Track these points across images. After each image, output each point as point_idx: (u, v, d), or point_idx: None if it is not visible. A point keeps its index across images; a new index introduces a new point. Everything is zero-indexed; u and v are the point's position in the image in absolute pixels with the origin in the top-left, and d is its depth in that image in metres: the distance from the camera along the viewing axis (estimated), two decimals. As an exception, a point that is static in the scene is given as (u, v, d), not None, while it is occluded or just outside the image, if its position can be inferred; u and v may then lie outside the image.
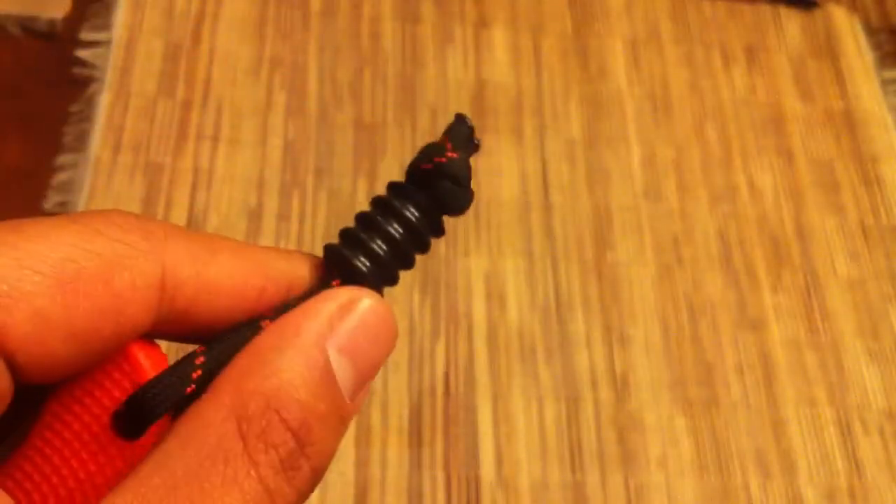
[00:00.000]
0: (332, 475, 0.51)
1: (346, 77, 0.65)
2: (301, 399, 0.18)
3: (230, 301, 0.19)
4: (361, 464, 0.52)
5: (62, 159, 0.59)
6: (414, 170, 0.20)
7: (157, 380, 0.18)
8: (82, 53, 0.63)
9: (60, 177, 0.58)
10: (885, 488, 0.55)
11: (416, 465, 0.52)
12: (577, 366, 0.56)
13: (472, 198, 0.20)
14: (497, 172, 0.62)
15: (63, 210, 0.57)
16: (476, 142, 0.20)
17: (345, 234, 0.20)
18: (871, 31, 0.74)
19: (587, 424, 0.55)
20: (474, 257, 0.59)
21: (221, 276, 0.19)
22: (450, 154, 0.20)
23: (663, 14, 0.72)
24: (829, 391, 0.58)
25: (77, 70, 0.62)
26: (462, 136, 0.20)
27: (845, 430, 0.57)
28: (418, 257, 0.21)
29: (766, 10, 0.74)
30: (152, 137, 0.60)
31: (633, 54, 0.70)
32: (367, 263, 0.20)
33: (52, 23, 0.64)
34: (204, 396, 0.18)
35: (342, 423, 0.18)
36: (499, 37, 0.68)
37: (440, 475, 0.52)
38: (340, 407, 0.18)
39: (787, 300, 0.61)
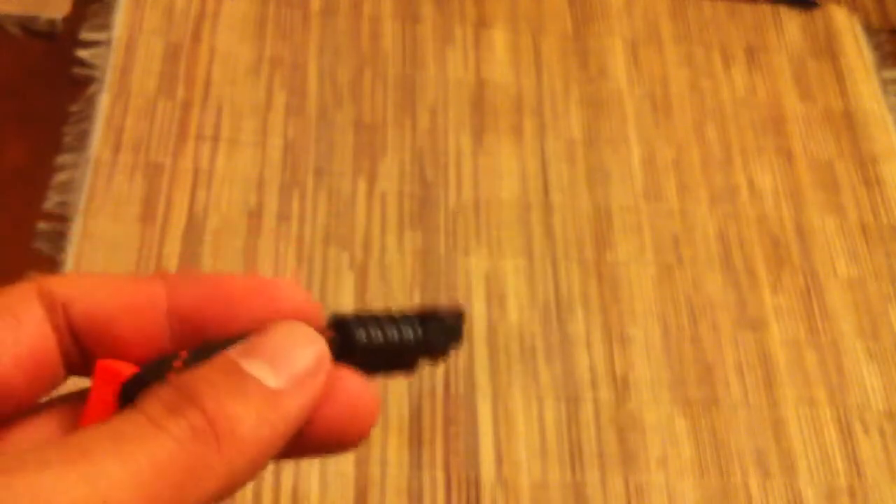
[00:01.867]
0: (331, 475, 0.51)
1: (346, 77, 0.65)
2: (197, 374, 0.19)
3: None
4: (361, 463, 0.52)
5: (62, 159, 0.59)
6: (429, 336, 0.23)
7: (152, 363, 0.20)
8: (82, 53, 0.63)
9: (60, 177, 0.58)
10: (885, 488, 0.55)
11: (416, 464, 0.52)
12: (577, 366, 0.56)
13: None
14: (497, 172, 0.62)
15: (63, 210, 0.57)
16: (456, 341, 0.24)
17: (356, 312, 0.23)
18: (871, 31, 0.74)
19: (587, 424, 0.55)
20: (474, 257, 0.59)
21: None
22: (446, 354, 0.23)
23: (663, 14, 0.72)
24: (829, 391, 0.58)
25: (77, 70, 0.62)
26: (446, 342, 0.23)
27: (845, 430, 0.57)
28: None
29: (766, 10, 0.74)
30: (152, 137, 0.60)
31: (633, 54, 0.70)
32: (364, 339, 0.22)
33: (52, 23, 0.64)
34: None
35: (265, 403, 0.19)
36: (499, 37, 0.68)
37: (440, 475, 0.52)
38: (251, 387, 0.19)
39: (787, 300, 0.61)
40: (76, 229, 0.56)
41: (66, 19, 0.64)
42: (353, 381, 0.21)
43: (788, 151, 0.67)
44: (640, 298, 0.59)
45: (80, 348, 0.21)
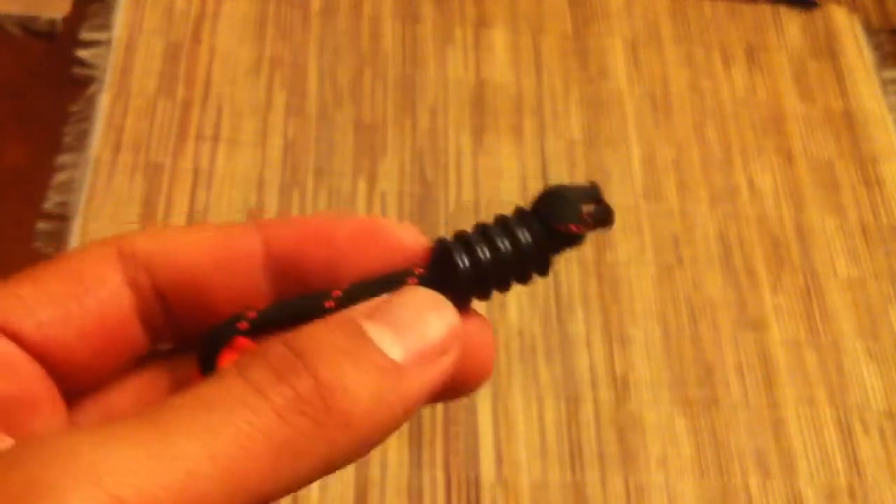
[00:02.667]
0: (331, 475, 0.51)
1: (346, 77, 0.65)
2: (313, 334, 0.17)
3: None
4: (361, 463, 0.52)
5: (62, 159, 0.59)
6: (546, 217, 0.20)
7: (218, 324, 0.19)
8: (82, 53, 0.63)
9: (60, 177, 0.58)
10: (885, 488, 0.55)
11: (416, 464, 0.52)
12: (577, 366, 0.56)
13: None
14: (497, 172, 0.62)
15: (63, 210, 0.57)
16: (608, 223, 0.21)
17: (458, 234, 0.20)
18: (871, 31, 0.74)
19: (587, 424, 0.55)
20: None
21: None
22: (584, 228, 0.20)
23: (663, 14, 0.72)
24: (829, 391, 0.58)
25: (77, 70, 0.62)
26: (602, 221, 0.20)
27: (845, 430, 0.57)
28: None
29: (766, 10, 0.74)
30: (152, 137, 0.60)
31: (633, 54, 0.70)
32: (466, 262, 0.20)
33: (52, 23, 0.63)
34: None
35: (385, 378, 0.17)
36: (499, 37, 0.68)
37: (440, 475, 0.52)
38: (373, 357, 0.17)
39: (787, 300, 0.61)
40: (76, 229, 0.56)
41: (66, 19, 0.64)
42: (470, 324, 0.19)
43: (788, 151, 0.67)
44: (640, 298, 0.59)
45: (168, 312, 0.19)
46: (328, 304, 0.18)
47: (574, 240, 0.20)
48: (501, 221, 0.20)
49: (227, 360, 0.18)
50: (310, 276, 0.19)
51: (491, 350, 0.19)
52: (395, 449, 0.52)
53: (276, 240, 0.19)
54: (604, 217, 0.20)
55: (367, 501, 0.51)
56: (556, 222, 0.20)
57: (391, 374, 0.17)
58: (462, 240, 0.20)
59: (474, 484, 0.52)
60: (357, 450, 0.17)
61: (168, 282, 0.19)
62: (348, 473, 0.51)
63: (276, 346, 0.17)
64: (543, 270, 0.20)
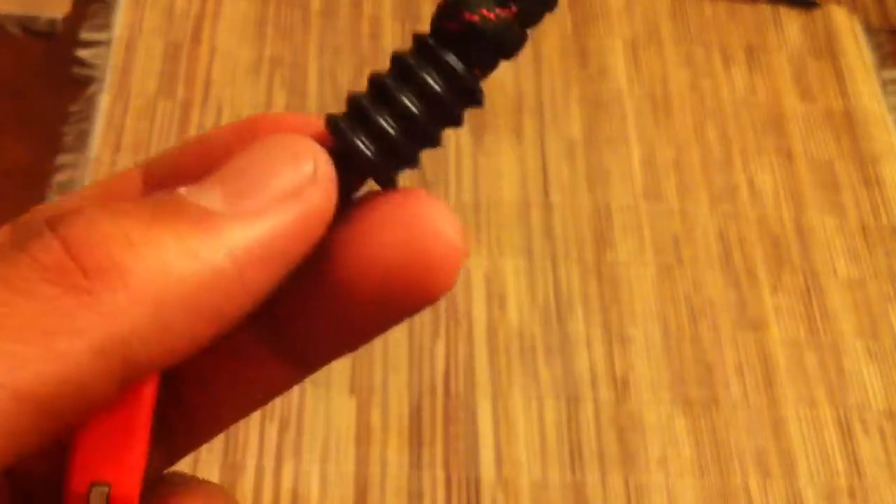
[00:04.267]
0: (331, 474, 0.51)
1: (346, 77, 0.65)
2: (100, 206, 0.13)
3: None
4: (361, 463, 0.52)
5: (62, 159, 0.59)
6: (448, 15, 0.15)
7: None
8: (82, 53, 0.63)
9: (60, 177, 0.58)
10: (885, 488, 0.55)
11: (416, 464, 0.52)
12: (577, 366, 0.56)
13: (522, 45, 0.15)
14: (497, 172, 0.62)
15: (63, 210, 0.57)
16: None
17: (352, 102, 0.16)
18: (871, 31, 0.74)
19: (587, 424, 0.55)
20: (474, 257, 0.59)
21: None
22: (501, 11, 0.15)
23: (663, 14, 0.72)
24: (829, 391, 0.58)
25: (77, 70, 0.62)
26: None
27: (845, 430, 0.57)
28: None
29: (766, 10, 0.74)
30: (152, 137, 0.60)
31: (633, 54, 0.70)
32: (372, 146, 0.16)
33: (52, 23, 0.63)
34: None
35: (191, 228, 0.13)
36: (499, 37, 0.68)
37: (440, 475, 0.52)
38: (170, 209, 0.13)
39: (787, 300, 0.61)
40: (76, 229, 0.56)
41: (66, 19, 0.64)
42: (420, 206, 0.15)
43: (788, 151, 0.67)
44: (640, 298, 0.59)
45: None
46: None
47: (496, 28, 0.15)
48: (400, 67, 0.16)
49: None
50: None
51: (452, 244, 0.15)
52: (395, 448, 0.52)
53: (152, 166, 0.16)
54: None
55: (367, 501, 0.51)
56: (463, 13, 0.15)
57: (200, 223, 0.13)
58: (360, 113, 0.16)
59: (474, 484, 0.52)
60: (159, 318, 0.13)
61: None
62: (348, 473, 0.51)
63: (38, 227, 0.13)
64: (474, 103, 0.16)
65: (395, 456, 0.52)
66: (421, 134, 0.16)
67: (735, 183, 0.65)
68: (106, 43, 0.63)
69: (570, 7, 0.71)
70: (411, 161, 0.16)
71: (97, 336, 0.12)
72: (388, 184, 0.16)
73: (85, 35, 0.63)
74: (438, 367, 0.55)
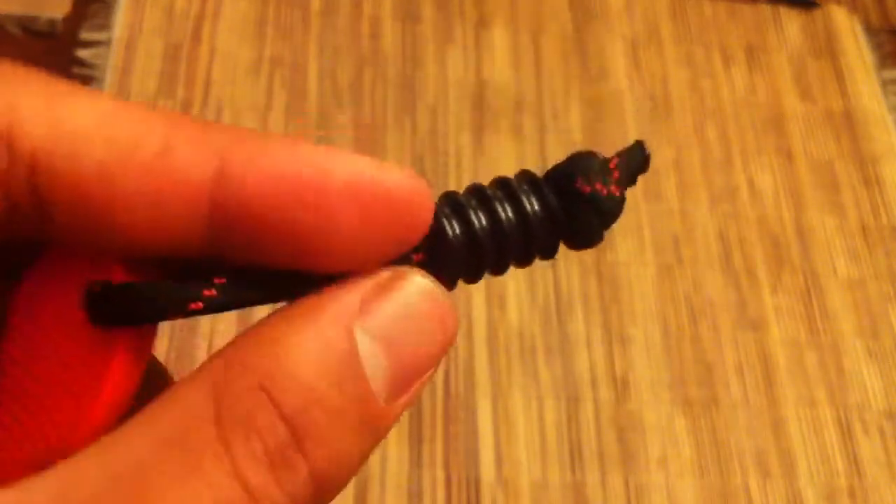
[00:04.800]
0: (332, 475, 0.51)
1: (346, 77, 0.65)
2: (304, 381, 0.13)
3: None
4: (361, 464, 0.52)
5: (62, 159, 0.59)
6: (562, 178, 0.16)
7: (163, 287, 0.13)
8: (82, 53, 0.63)
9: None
10: (885, 488, 0.55)
11: (415, 463, 0.52)
12: (577, 366, 0.56)
13: (601, 240, 0.16)
14: (497, 172, 0.62)
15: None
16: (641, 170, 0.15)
17: (447, 195, 0.16)
18: (871, 31, 0.74)
19: (587, 424, 0.55)
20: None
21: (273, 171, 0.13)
22: (612, 188, 0.16)
23: (663, 14, 0.72)
24: (829, 391, 0.58)
25: (77, 70, 0.62)
26: (634, 167, 0.16)
27: (845, 430, 0.57)
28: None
29: (766, 10, 0.74)
30: (152, 137, 0.60)
31: (633, 54, 0.70)
32: (458, 232, 0.15)
33: (52, 23, 0.63)
34: (188, 373, 0.13)
35: (369, 427, 0.14)
36: (499, 37, 0.68)
37: (440, 474, 0.52)
38: (366, 404, 0.13)
39: (787, 300, 0.61)
40: (76, 229, 0.56)
41: (66, 19, 0.64)
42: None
43: (788, 151, 0.67)
44: (640, 298, 0.59)
45: (42, 220, 0.13)
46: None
47: (606, 204, 0.15)
48: (504, 186, 0.16)
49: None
50: (272, 233, 0.13)
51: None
52: (394, 448, 0.52)
53: (241, 181, 0.13)
54: (635, 156, 0.15)
55: (367, 500, 0.51)
56: (577, 180, 0.15)
57: (373, 426, 0.14)
58: (453, 204, 0.16)
59: (474, 483, 0.52)
60: (323, 498, 0.14)
61: (54, 189, 0.13)
62: (348, 473, 0.51)
63: (265, 409, 0.13)
64: (549, 253, 0.16)
65: (395, 455, 0.52)
66: (501, 251, 0.16)
67: (735, 183, 0.65)
68: (106, 43, 0.63)
69: (570, 7, 0.71)
70: (476, 275, 0.16)
71: None
72: (451, 285, 0.16)
73: (85, 35, 0.63)
74: (438, 368, 0.55)
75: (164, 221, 0.13)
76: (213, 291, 0.14)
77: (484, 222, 0.16)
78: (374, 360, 0.14)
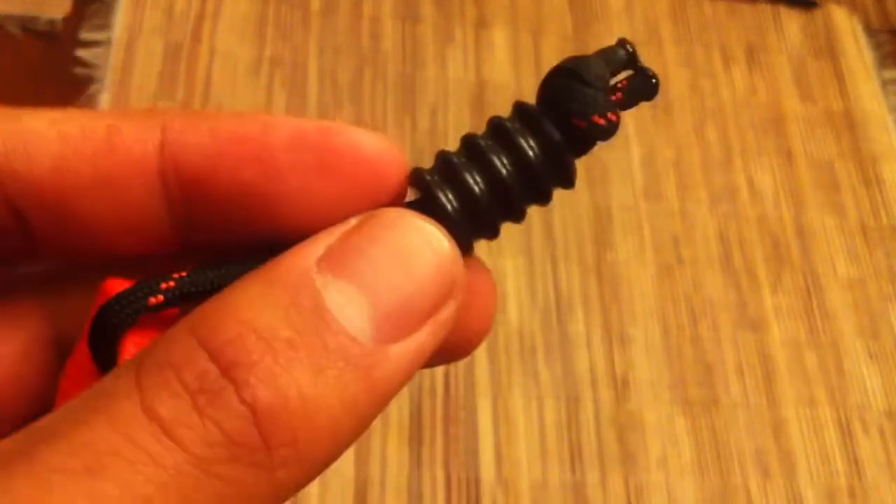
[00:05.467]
0: (331, 474, 0.51)
1: (346, 77, 0.65)
2: (239, 316, 0.12)
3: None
4: (361, 462, 0.52)
5: (62, 159, 0.59)
6: (559, 110, 0.15)
7: (120, 295, 0.13)
8: (82, 53, 0.63)
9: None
10: (885, 488, 0.55)
11: (416, 463, 0.52)
12: (577, 366, 0.56)
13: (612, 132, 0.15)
14: (497, 172, 0.62)
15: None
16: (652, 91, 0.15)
17: (441, 157, 0.16)
18: (871, 31, 0.74)
19: (587, 424, 0.55)
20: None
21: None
22: (610, 115, 0.15)
23: (663, 14, 0.72)
24: (829, 391, 0.58)
25: (77, 70, 0.62)
26: (639, 94, 0.15)
27: (845, 430, 0.57)
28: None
29: (766, 10, 0.74)
30: (152, 137, 0.60)
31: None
32: (454, 202, 0.15)
33: (52, 23, 0.63)
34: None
35: (354, 368, 0.12)
36: (499, 37, 0.68)
37: (440, 474, 0.52)
38: (336, 345, 0.12)
39: (787, 300, 0.61)
40: (76, 229, 0.56)
41: (66, 19, 0.64)
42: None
43: (788, 151, 0.67)
44: (640, 298, 0.59)
45: (27, 232, 0.13)
46: None
47: (603, 134, 0.15)
48: (497, 130, 0.16)
49: (131, 347, 0.14)
50: (231, 203, 0.13)
51: (492, 299, 0.15)
52: (394, 448, 0.52)
53: (183, 145, 0.13)
54: (643, 88, 0.15)
55: (367, 500, 0.51)
56: (574, 115, 0.15)
57: (360, 367, 0.12)
58: (447, 168, 0.16)
59: (474, 484, 0.52)
60: (311, 476, 0.12)
61: (22, 193, 0.13)
62: (348, 472, 0.51)
63: (188, 347, 0.12)
64: (566, 182, 0.16)
65: (395, 455, 0.52)
66: (507, 202, 0.15)
67: (735, 183, 0.65)
68: (106, 43, 0.63)
69: (570, 7, 0.71)
70: (491, 231, 0.15)
71: (270, 496, 0.12)
72: (465, 250, 0.15)
73: (85, 35, 0.63)
74: (438, 368, 0.55)
75: (121, 203, 0.13)
76: (172, 283, 0.13)
77: (481, 183, 0.15)
78: (348, 301, 0.12)
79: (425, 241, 0.13)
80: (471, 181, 0.15)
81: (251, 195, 0.13)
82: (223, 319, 0.12)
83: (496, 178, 0.15)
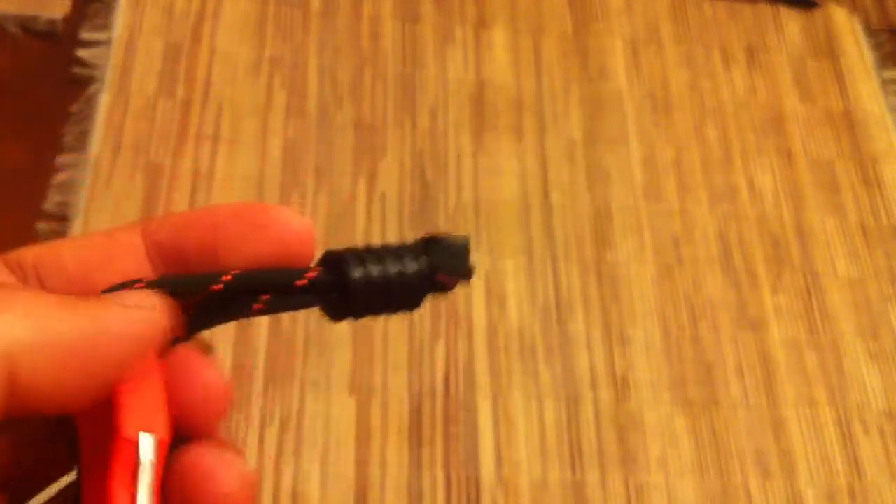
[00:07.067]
0: (331, 475, 0.51)
1: (346, 77, 0.65)
2: None
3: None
4: (361, 464, 0.52)
5: (62, 159, 0.59)
6: (435, 262, 0.21)
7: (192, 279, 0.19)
8: (82, 53, 0.63)
9: (60, 177, 0.58)
10: (885, 488, 0.55)
11: (416, 464, 0.52)
12: (577, 366, 0.56)
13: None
14: (497, 172, 0.62)
15: (63, 210, 0.57)
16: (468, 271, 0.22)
17: (349, 249, 0.20)
18: (871, 31, 0.74)
19: (587, 424, 0.55)
20: (474, 257, 0.59)
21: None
22: (458, 282, 0.21)
23: (663, 14, 0.72)
24: (829, 391, 0.58)
25: (77, 70, 0.62)
26: (468, 278, 0.22)
27: (845, 430, 0.57)
28: None
29: (766, 10, 0.74)
30: (152, 137, 0.60)
31: (633, 54, 0.70)
32: (357, 274, 0.20)
33: (52, 23, 0.63)
34: None
35: None
36: (499, 37, 0.68)
37: (440, 475, 0.52)
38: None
39: (787, 300, 0.61)
40: (76, 229, 0.56)
41: (66, 19, 0.64)
42: (202, 368, 0.19)
43: (788, 151, 0.67)
44: (640, 298, 0.59)
45: None
46: (216, 287, 0.19)
47: (444, 290, 0.21)
48: (393, 249, 0.21)
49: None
50: (193, 262, 0.19)
51: (223, 395, 0.19)
52: (395, 449, 0.52)
53: (157, 230, 0.20)
54: (469, 275, 0.22)
55: (367, 501, 0.51)
56: (441, 271, 0.21)
57: None
58: (354, 253, 0.20)
59: (474, 484, 0.52)
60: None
61: (57, 284, 0.19)
62: (348, 473, 0.51)
63: None
64: (415, 306, 0.21)
65: (395, 456, 0.52)
66: (383, 296, 0.20)
67: (735, 183, 0.65)
68: (106, 43, 0.63)
69: (570, 7, 0.71)
70: (367, 310, 0.20)
71: None
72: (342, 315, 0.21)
73: (85, 35, 0.63)
74: (438, 368, 0.55)
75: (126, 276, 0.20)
76: (229, 276, 0.19)
77: (376, 271, 0.20)
78: None
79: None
80: (371, 267, 0.20)
81: (203, 253, 0.19)
82: None
83: (386, 274, 0.20)
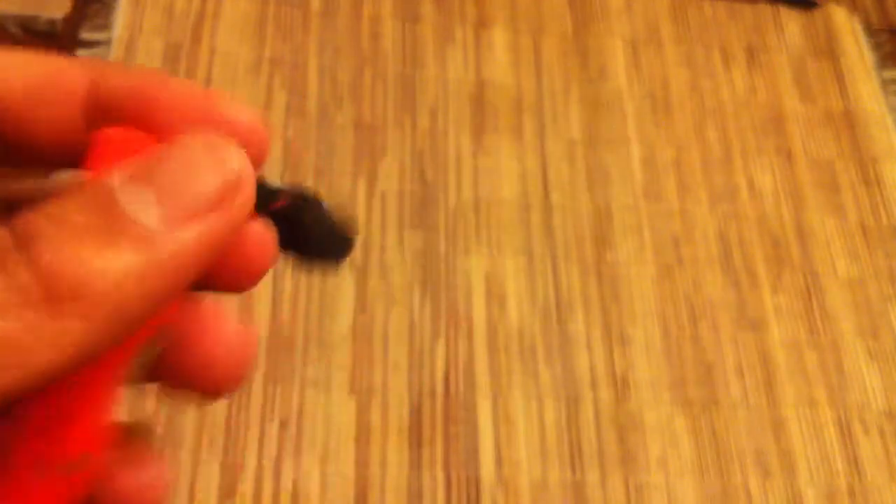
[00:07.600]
0: (331, 475, 0.51)
1: (346, 77, 0.65)
2: (54, 212, 0.15)
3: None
4: (361, 464, 0.52)
5: (62, 159, 0.59)
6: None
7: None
8: (82, 53, 0.63)
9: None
10: (885, 488, 0.55)
11: (416, 464, 0.52)
12: (577, 366, 0.56)
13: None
14: (497, 172, 0.62)
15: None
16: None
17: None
18: (871, 31, 0.74)
19: (587, 424, 0.55)
20: (474, 257, 0.59)
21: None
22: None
23: (663, 14, 0.72)
24: (829, 391, 0.58)
25: (77, 70, 0.62)
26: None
27: (845, 430, 0.57)
28: None
29: (766, 10, 0.74)
30: (152, 137, 0.60)
31: (633, 54, 0.70)
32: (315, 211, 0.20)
33: (52, 23, 0.63)
34: None
35: (136, 244, 0.15)
36: (499, 37, 0.68)
37: (440, 475, 0.52)
38: (121, 229, 0.15)
39: (787, 300, 0.61)
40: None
41: (66, 19, 0.64)
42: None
43: (788, 151, 0.67)
44: (640, 298, 0.59)
45: None
46: None
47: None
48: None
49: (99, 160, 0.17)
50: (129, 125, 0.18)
51: (267, 257, 0.18)
52: (395, 449, 0.52)
53: (101, 83, 0.18)
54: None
55: (367, 501, 0.51)
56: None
57: (141, 244, 0.15)
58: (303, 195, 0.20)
59: (474, 484, 0.52)
60: (116, 331, 0.15)
61: None
62: (348, 473, 0.51)
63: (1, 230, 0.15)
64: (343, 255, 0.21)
65: (395, 456, 0.52)
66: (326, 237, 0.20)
67: (735, 183, 0.65)
68: (106, 43, 0.63)
69: (570, 7, 0.71)
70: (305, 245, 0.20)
71: (62, 349, 0.14)
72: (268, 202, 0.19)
73: (85, 35, 0.63)
74: (438, 367, 0.55)
75: (55, 118, 0.18)
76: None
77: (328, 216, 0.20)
78: (138, 197, 0.15)
79: (215, 151, 0.16)
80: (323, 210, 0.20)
81: (140, 122, 0.18)
82: (33, 216, 0.15)
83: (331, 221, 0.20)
